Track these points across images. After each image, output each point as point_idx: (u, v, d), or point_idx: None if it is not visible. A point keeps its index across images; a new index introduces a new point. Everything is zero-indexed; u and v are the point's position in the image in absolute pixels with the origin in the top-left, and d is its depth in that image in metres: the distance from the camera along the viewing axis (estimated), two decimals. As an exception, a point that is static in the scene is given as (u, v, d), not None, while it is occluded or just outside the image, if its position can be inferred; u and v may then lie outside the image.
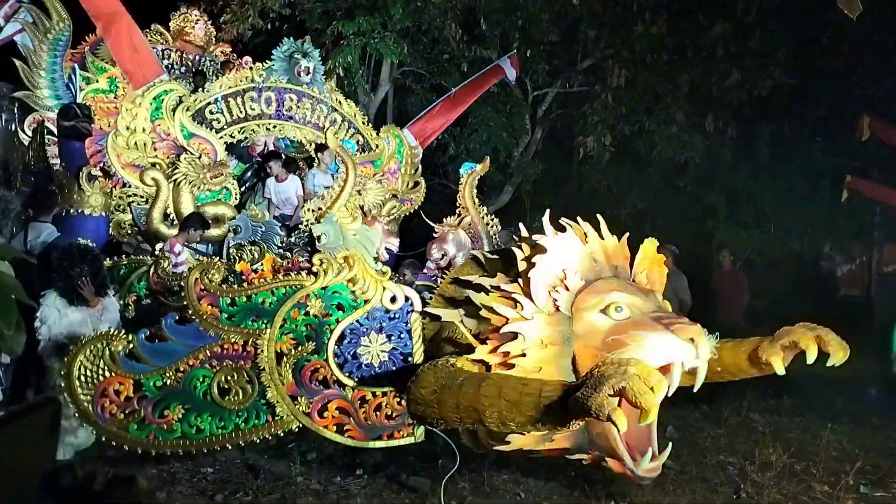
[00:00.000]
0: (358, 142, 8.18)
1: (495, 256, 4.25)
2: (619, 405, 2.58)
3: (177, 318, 4.29)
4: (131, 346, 4.09)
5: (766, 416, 6.52)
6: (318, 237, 5.16)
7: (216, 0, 10.83)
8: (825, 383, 7.44)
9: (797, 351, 3.55)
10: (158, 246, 6.59)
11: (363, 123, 8.36)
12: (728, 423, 6.25)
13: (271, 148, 8.52)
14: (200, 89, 7.71)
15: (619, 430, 2.65)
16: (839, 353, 3.48)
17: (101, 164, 6.89)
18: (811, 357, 3.47)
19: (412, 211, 8.71)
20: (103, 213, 6.60)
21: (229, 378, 4.22)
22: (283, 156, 7.99)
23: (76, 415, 4.00)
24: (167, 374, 4.10)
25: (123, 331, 4.25)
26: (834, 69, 11.36)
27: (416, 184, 8.92)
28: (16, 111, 7.71)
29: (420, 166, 9.17)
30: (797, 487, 4.78)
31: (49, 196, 6.07)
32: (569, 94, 11.76)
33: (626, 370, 2.60)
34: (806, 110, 11.73)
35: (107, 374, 4.01)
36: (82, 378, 3.97)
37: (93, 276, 4.70)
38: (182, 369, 4.14)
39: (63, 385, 3.99)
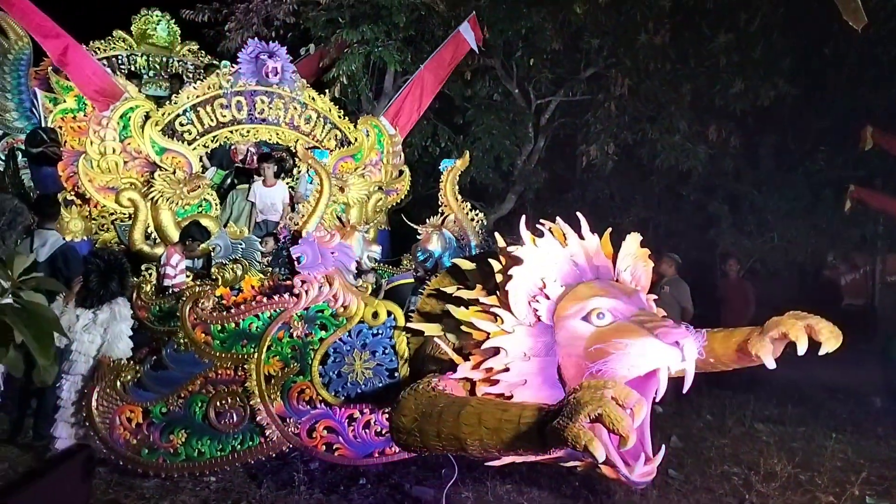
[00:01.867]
0: (336, 137, 8.04)
1: (473, 265, 4.09)
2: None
3: (175, 347, 4.40)
4: (139, 375, 4.38)
5: (771, 426, 6.49)
6: (298, 259, 5.12)
7: (220, 9, 10.86)
8: (829, 393, 7.46)
9: (787, 342, 3.48)
10: (144, 266, 6.51)
11: (339, 117, 8.24)
12: (732, 433, 6.22)
13: (253, 153, 8.39)
14: (177, 93, 7.55)
15: (596, 461, 2.57)
16: (831, 341, 3.30)
17: (77, 188, 6.73)
18: (801, 348, 3.34)
19: (401, 204, 8.62)
20: (85, 238, 6.52)
21: (223, 402, 4.34)
22: (276, 159, 7.86)
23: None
24: (170, 401, 4.31)
25: (130, 361, 4.56)
26: (837, 79, 11.38)
27: (401, 172, 8.80)
28: None
29: (402, 154, 9.04)
30: (802, 498, 4.75)
31: (53, 204, 6.07)
32: (572, 102, 11.77)
33: (602, 396, 2.48)
34: (809, 120, 11.73)
35: (119, 403, 4.28)
36: (100, 408, 4.24)
37: (100, 282, 4.78)
38: (183, 395, 4.32)
39: (84, 416, 4.30)
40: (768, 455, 5.45)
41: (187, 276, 6.24)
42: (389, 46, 9.64)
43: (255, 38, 10.63)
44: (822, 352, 3.34)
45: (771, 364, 3.43)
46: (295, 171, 8.43)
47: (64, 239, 5.91)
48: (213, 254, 6.76)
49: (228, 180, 7.99)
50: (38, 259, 5.39)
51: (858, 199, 9.93)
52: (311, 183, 7.33)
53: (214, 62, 9.60)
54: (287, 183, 8.06)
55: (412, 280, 6.53)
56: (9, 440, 5.11)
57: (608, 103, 10.77)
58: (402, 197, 8.79)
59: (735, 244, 10.81)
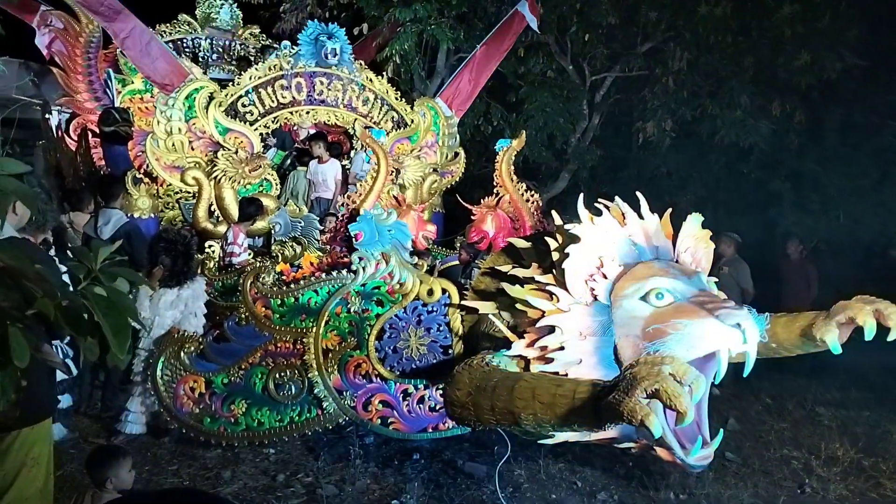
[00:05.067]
0: (392, 118, 8.10)
1: (529, 244, 4.13)
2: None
3: (237, 320, 4.55)
4: (202, 347, 4.53)
5: (832, 410, 6.32)
6: (355, 236, 5.23)
7: (275, -10, 10.96)
8: (894, 377, 7.20)
9: (854, 326, 3.37)
10: (207, 244, 6.69)
11: (396, 99, 8.28)
12: (792, 417, 6.08)
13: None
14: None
15: (653, 437, 2.54)
16: None
17: (145, 167, 6.98)
18: (870, 333, 3.26)
19: (453, 184, 8.62)
20: (152, 215, 6.75)
21: (282, 374, 4.49)
22: (326, 137, 7.96)
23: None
24: (232, 372, 4.46)
25: (196, 333, 4.73)
26: (909, 50, 10.82)
27: (456, 155, 8.80)
28: (59, 116, 7.92)
29: (458, 136, 9.02)
30: (865, 484, 4.63)
31: (116, 183, 6.27)
32: (628, 78, 11.49)
33: (660, 371, 2.44)
34: (878, 94, 11.19)
35: (182, 373, 4.44)
36: (164, 378, 4.42)
37: (176, 261, 4.96)
38: (243, 367, 4.48)
39: (150, 385, 4.49)
40: (830, 439, 5.32)
41: (249, 255, 6.40)
42: (442, 24, 9.58)
43: (310, 19, 10.79)
44: (891, 337, 3.27)
45: (837, 349, 3.35)
46: (352, 151, 8.52)
47: (127, 217, 6.10)
48: (273, 232, 6.93)
49: (288, 161, 8.16)
50: (101, 237, 5.58)
51: (930, 175, 9.47)
52: (368, 162, 7.39)
53: (274, 45, 9.74)
54: (343, 165, 8.17)
55: (457, 262, 6.57)
56: (79, 410, 5.33)
57: (666, 78, 10.49)
58: (457, 179, 8.80)
59: (797, 223, 10.43)
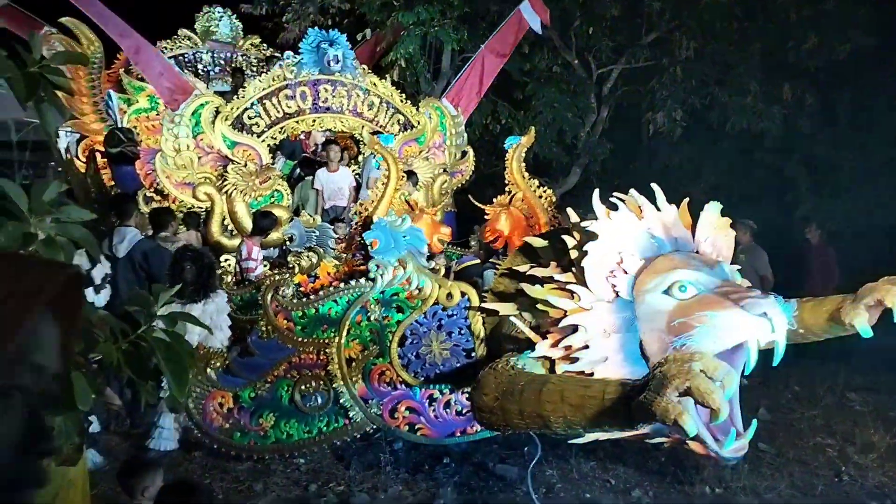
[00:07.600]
0: (399, 121, 8.06)
1: (545, 242, 4.00)
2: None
3: (259, 334, 4.49)
4: (227, 363, 4.47)
5: (863, 395, 6.24)
6: (371, 244, 5.20)
7: (277, 0, 10.96)
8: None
9: (882, 309, 3.30)
10: (224, 258, 6.68)
11: (401, 102, 8.24)
12: (823, 403, 6.00)
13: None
14: (241, 88, 7.69)
15: (688, 436, 2.47)
16: None
17: (156, 185, 6.97)
18: None
19: (465, 184, 8.58)
20: None
21: (307, 386, 4.44)
22: (339, 143, 7.91)
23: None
24: (258, 386, 4.40)
25: (221, 349, 4.67)
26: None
27: (464, 153, 8.75)
28: (67, 138, 7.92)
29: (465, 135, 8.95)
30: (904, 469, 4.56)
31: (130, 201, 6.26)
32: (635, 69, 11.42)
33: (690, 368, 2.36)
34: (888, 72, 11.08)
35: (210, 389, 4.38)
36: (193, 395, 4.33)
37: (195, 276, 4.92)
38: (269, 380, 4.43)
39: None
40: (863, 425, 5.24)
41: (265, 266, 6.38)
42: (445, 26, 9.56)
43: (313, 27, 10.79)
44: None
45: (867, 332, 3.30)
46: (360, 156, 8.49)
47: (143, 235, 6.08)
48: (287, 243, 6.90)
49: (297, 171, 8.13)
50: (116, 255, 5.57)
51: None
52: (377, 168, 7.35)
53: (276, 54, 9.72)
54: (353, 169, 8.14)
55: (478, 261, 6.51)
56: (108, 429, 5.32)
57: (673, 68, 10.43)
58: (467, 178, 8.75)
59: (815, 208, 10.35)
